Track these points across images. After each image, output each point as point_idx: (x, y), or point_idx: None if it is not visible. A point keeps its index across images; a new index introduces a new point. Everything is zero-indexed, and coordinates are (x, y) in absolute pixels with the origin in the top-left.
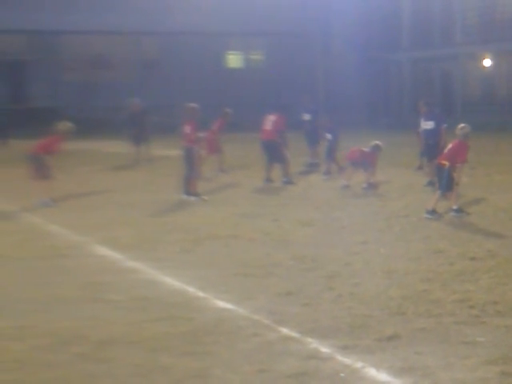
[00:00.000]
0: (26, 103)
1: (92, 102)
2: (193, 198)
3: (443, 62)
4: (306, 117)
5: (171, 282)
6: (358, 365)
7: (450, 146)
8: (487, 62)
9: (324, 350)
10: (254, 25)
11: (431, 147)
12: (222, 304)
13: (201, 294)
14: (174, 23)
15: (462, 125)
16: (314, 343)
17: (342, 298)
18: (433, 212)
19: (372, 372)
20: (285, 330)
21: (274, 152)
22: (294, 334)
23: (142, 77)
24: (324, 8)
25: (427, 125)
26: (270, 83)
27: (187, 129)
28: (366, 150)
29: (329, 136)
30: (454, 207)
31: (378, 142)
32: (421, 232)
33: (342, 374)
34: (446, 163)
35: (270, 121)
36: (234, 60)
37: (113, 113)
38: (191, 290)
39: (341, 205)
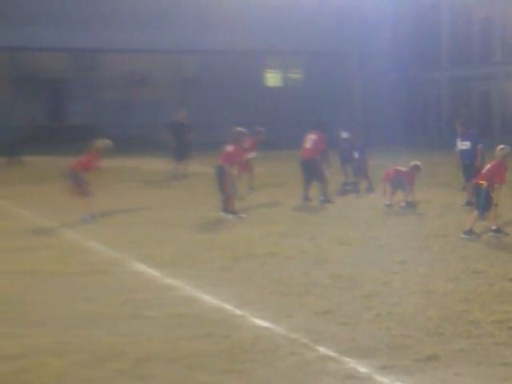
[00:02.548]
0: (65, 121)
1: (131, 120)
2: (230, 216)
3: (482, 82)
4: (344, 135)
5: (209, 299)
6: None
7: (488, 166)
8: None
9: (362, 369)
10: (292, 43)
11: (468, 167)
12: (259, 322)
13: (238, 311)
14: (213, 41)
15: (502, 146)
16: (351, 363)
17: (380, 318)
18: (470, 232)
19: None
20: (322, 349)
21: (312, 170)
22: (331, 354)
23: (180, 95)
24: (362, 27)
25: (463, 145)
26: (308, 102)
27: (230, 148)
28: (403, 169)
29: (356, 154)
30: (493, 227)
31: (417, 163)
32: (459, 252)
33: None
34: (484, 183)
35: (310, 139)
36: (272, 78)
37: (150, 130)
38: (229, 307)
39: (379, 224)
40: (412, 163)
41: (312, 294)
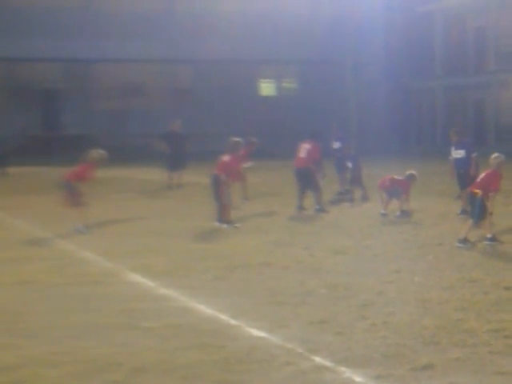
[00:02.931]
0: (59, 131)
1: (125, 130)
2: (225, 226)
3: (476, 90)
4: (336, 145)
5: (204, 309)
6: None
7: (483, 174)
8: None
9: (358, 379)
10: (285, 53)
11: (462, 176)
12: (254, 332)
13: (233, 321)
14: (207, 51)
15: (496, 154)
16: (347, 372)
17: (376, 327)
18: (465, 241)
19: None
20: (318, 359)
21: (307, 180)
22: (327, 363)
23: (174, 104)
24: (355, 36)
25: (458, 154)
26: (303, 111)
27: (226, 158)
28: (398, 178)
29: (349, 164)
30: (488, 236)
31: (412, 172)
32: (455, 261)
33: None
34: (479, 192)
35: (304, 149)
36: (266, 88)
37: (145, 140)
38: (224, 317)
39: (374, 233)
40: (407, 172)
41: (307, 303)
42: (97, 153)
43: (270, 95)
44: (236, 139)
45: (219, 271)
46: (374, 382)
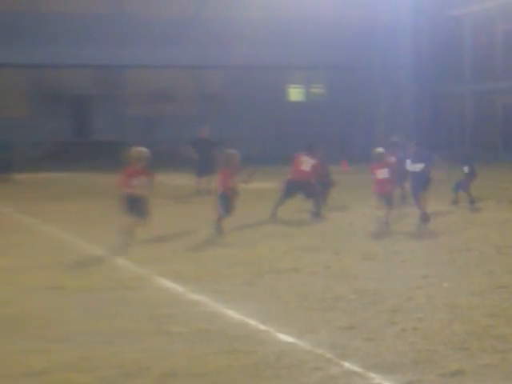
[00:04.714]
0: (90, 137)
1: (155, 136)
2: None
3: (506, 95)
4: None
5: (233, 314)
6: None
7: None
8: None
9: None
10: (314, 58)
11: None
12: (283, 337)
13: (262, 327)
14: (235, 57)
15: None
16: (377, 378)
17: (405, 333)
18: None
19: None
20: (347, 365)
21: (309, 190)
22: (356, 369)
23: (203, 110)
24: (385, 41)
25: (415, 167)
26: (331, 116)
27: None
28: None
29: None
30: None
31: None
32: (484, 266)
33: None
34: None
35: (308, 163)
36: (295, 93)
37: (174, 146)
38: (253, 322)
39: (401, 238)
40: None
41: (336, 309)
42: (136, 151)
43: (299, 100)
44: (230, 152)
45: (248, 277)
46: None
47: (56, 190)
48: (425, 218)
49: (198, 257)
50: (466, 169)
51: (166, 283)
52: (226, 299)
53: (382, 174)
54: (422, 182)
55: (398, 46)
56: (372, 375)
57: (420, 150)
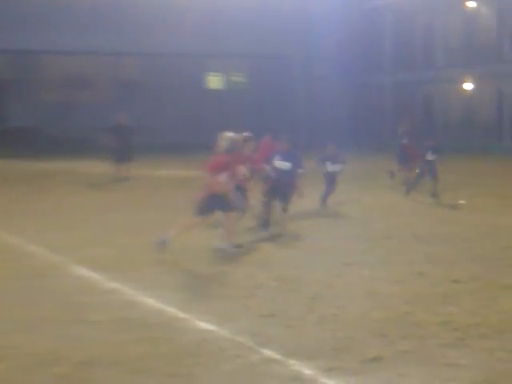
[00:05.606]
0: (4, 123)
1: (70, 122)
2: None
3: (425, 85)
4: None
5: (152, 302)
6: None
7: None
8: (468, 86)
9: (307, 372)
10: (234, 46)
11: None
12: (203, 325)
13: (182, 314)
14: (154, 44)
15: None
16: (296, 365)
17: (325, 320)
18: None
19: None
20: (267, 352)
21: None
22: (276, 356)
23: (121, 97)
24: (306, 31)
25: (284, 165)
26: (252, 105)
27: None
28: None
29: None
30: None
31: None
32: (403, 254)
33: None
34: None
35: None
36: (214, 81)
37: (91, 133)
38: (172, 310)
39: (321, 226)
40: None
41: (256, 296)
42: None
43: (218, 88)
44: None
45: (167, 264)
46: (323, 375)
47: None
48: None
49: (117, 244)
50: (432, 156)
51: (84, 271)
52: (145, 287)
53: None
54: (285, 182)
55: (319, 36)
56: (292, 362)
57: (291, 149)
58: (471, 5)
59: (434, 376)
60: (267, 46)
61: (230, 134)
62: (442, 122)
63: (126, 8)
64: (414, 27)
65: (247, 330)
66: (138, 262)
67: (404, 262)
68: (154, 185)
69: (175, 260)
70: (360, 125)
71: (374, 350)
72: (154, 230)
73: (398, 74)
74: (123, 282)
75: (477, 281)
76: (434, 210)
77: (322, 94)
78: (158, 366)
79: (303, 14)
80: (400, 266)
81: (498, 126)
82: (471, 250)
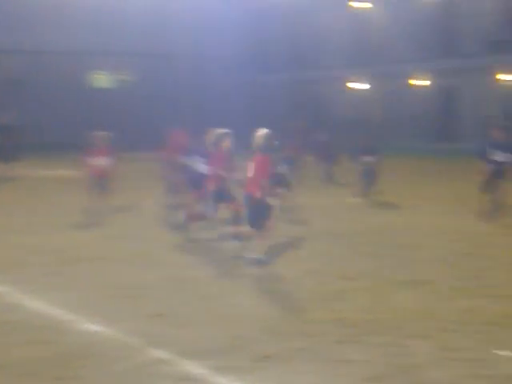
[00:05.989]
0: None
1: None
2: None
3: (314, 85)
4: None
5: (38, 305)
6: None
7: None
8: (357, 85)
9: (198, 371)
10: (121, 45)
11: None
12: (91, 327)
13: (69, 316)
14: (40, 42)
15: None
16: (187, 365)
17: (217, 319)
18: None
19: None
20: (158, 352)
21: None
22: (167, 356)
23: (4, 95)
24: (196, 30)
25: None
26: (139, 104)
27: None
28: None
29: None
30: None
31: None
32: (295, 252)
33: None
34: None
35: None
36: (101, 80)
37: None
38: (59, 312)
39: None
40: None
41: (145, 296)
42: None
43: (105, 87)
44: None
45: (53, 266)
46: (215, 374)
47: None
48: (188, 220)
49: (1, 246)
50: (370, 158)
51: None
52: (31, 289)
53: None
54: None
55: (210, 35)
56: (183, 362)
57: (197, 145)
58: (360, 5)
59: (327, 372)
60: (156, 44)
61: (265, 131)
62: (332, 120)
63: (10, 5)
64: (302, 27)
65: (137, 331)
66: (25, 264)
67: (296, 260)
68: (39, 185)
69: (60, 261)
70: (252, 123)
71: (267, 348)
72: (40, 231)
73: (288, 73)
74: (7, 285)
75: (368, 278)
76: (333, 208)
77: (213, 93)
78: (45, 369)
79: (191, 13)
80: (293, 264)
81: (387, 125)
82: (364, 247)
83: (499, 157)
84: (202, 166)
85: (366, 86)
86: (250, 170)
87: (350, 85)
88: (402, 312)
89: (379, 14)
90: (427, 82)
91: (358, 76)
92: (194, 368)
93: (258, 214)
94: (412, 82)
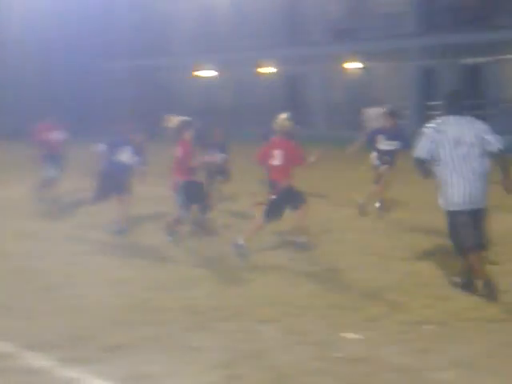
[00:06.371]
0: None
1: None
2: None
3: (162, 72)
4: None
5: None
6: (81, 376)
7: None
8: (207, 73)
9: (43, 363)
10: None
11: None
12: None
13: None
14: None
15: None
16: (32, 358)
17: (63, 310)
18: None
19: (96, 383)
20: (1, 346)
21: None
22: (11, 349)
23: None
24: (42, 17)
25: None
26: None
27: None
28: None
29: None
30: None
31: None
32: (150, 240)
33: None
34: None
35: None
36: None
37: None
38: None
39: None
40: None
41: None
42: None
43: None
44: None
45: None
46: (61, 366)
47: None
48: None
49: None
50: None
51: None
52: None
53: None
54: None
55: (58, 22)
56: (27, 355)
57: (125, 135)
58: None
59: (176, 360)
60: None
61: (288, 114)
62: (182, 109)
63: None
64: (153, 14)
65: None
66: None
67: (150, 249)
68: None
69: None
70: (93, 111)
71: (115, 338)
72: None
73: (134, 61)
74: None
75: (215, 265)
76: None
77: (60, 81)
78: None
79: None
80: (143, 253)
81: (236, 112)
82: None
83: (385, 145)
84: (127, 156)
85: (214, 74)
86: (278, 156)
87: (198, 73)
88: (247, 299)
89: (226, 0)
90: (274, 70)
91: (206, 64)
92: (39, 360)
93: (282, 204)
94: (259, 69)
